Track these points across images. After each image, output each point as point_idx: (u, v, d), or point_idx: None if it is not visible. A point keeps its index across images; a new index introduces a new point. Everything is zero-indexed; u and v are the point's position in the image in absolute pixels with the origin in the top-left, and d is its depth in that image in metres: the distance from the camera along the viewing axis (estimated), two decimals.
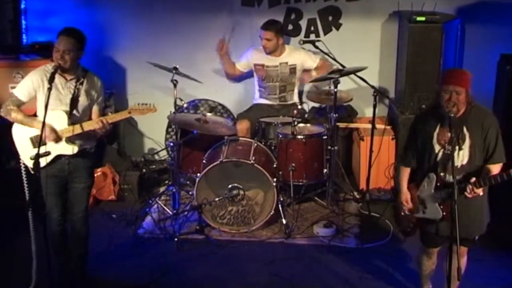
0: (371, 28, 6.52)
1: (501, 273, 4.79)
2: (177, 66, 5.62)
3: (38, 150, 3.89)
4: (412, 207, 4.12)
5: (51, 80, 4.03)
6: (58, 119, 4.21)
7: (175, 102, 5.58)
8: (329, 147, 5.77)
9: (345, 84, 6.29)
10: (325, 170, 5.81)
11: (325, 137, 5.77)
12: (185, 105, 5.89)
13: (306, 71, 6.34)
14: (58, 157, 4.28)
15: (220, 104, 6.68)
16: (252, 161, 5.34)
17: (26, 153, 4.31)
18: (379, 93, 5.73)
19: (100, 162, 5.96)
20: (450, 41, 5.97)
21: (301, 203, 5.93)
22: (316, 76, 6.21)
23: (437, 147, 3.96)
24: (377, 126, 5.71)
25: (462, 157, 3.89)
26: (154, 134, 6.87)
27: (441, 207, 3.96)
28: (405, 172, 4.16)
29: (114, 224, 5.63)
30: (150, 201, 5.98)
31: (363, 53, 6.47)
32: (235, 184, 5.41)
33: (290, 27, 6.58)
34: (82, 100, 4.27)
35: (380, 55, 6.60)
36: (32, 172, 4.08)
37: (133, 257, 5.07)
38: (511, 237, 5.10)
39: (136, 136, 6.90)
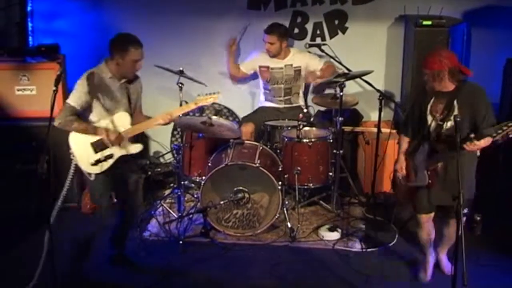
0: (377, 32, 6.53)
1: (504, 279, 4.76)
2: (183, 69, 5.62)
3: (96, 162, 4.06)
4: (407, 175, 4.44)
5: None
6: (123, 120, 4.26)
7: (180, 105, 5.58)
8: (334, 151, 5.77)
9: (351, 88, 6.29)
10: (330, 174, 5.81)
11: (331, 140, 5.78)
12: None
13: (310, 71, 6.34)
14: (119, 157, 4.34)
15: (225, 107, 6.69)
16: (257, 164, 5.34)
17: (85, 159, 4.28)
18: (385, 97, 5.72)
19: None
20: (456, 45, 5.96)
21: (306, 207, 5.94)
22: (320, 76, 6.23)
23: (429, 118, 4.27)
24: (383, 130, 5.69)
25: (450, 125, 4.17)
26: (160, 137, 6.88)
27: (428, 173, 4.22)
28: (404, 141, 4.53)
29: None
30: (155, 204, 5.99)
31: (369, 57, 6.47)
32: (240, 187, 5.41)
33: (296, 30, 6.59)
34: (133, 99, 4.39)
35: (386, 59, 6.59)
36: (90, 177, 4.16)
37: (138, 260, 5.06)
38: None
39: (142, 139, 6.90)
